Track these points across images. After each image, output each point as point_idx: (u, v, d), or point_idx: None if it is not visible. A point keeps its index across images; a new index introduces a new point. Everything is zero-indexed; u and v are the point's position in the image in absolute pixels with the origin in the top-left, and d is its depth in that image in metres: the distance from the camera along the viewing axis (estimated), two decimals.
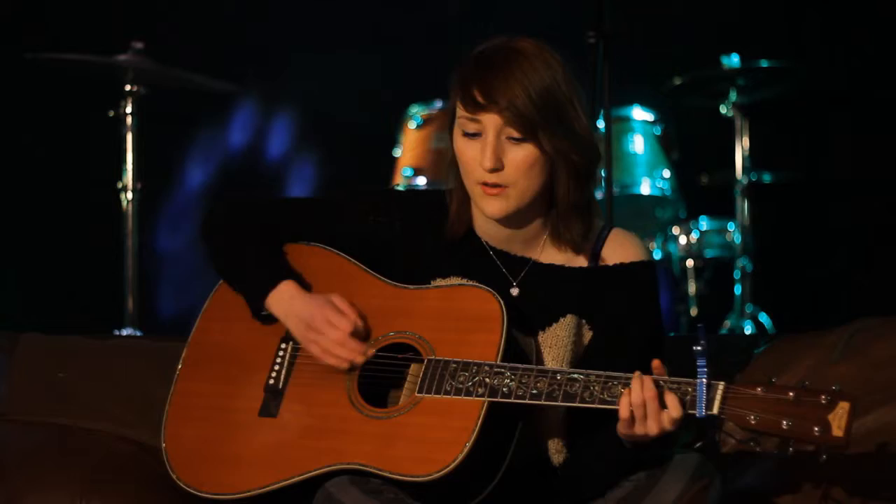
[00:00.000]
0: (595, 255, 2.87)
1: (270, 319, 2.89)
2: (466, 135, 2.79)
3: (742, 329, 5.77)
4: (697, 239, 5.84)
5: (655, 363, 2.61)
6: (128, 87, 5.23)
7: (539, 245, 2.89)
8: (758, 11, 6.24)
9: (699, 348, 2.54)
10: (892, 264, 6.02)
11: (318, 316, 2.81)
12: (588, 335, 2.86)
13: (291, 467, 2.74)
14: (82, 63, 5.23)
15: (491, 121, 2.76)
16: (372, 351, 2.80)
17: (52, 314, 5.92)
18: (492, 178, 2.77)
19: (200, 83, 6.00)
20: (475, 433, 2.64)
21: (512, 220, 2.85)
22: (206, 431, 2.85)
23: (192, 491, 2.81)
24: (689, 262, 5.86)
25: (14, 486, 3.01)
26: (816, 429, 2.49)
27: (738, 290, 5.85)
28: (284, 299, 2.86)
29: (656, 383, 2.59)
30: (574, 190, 2.81)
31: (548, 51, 2.79)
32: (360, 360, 2.79)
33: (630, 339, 2.82)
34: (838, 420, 2.48)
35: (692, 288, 5.88)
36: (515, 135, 2.76)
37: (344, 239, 2.94)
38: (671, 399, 2.58)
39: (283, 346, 2.89)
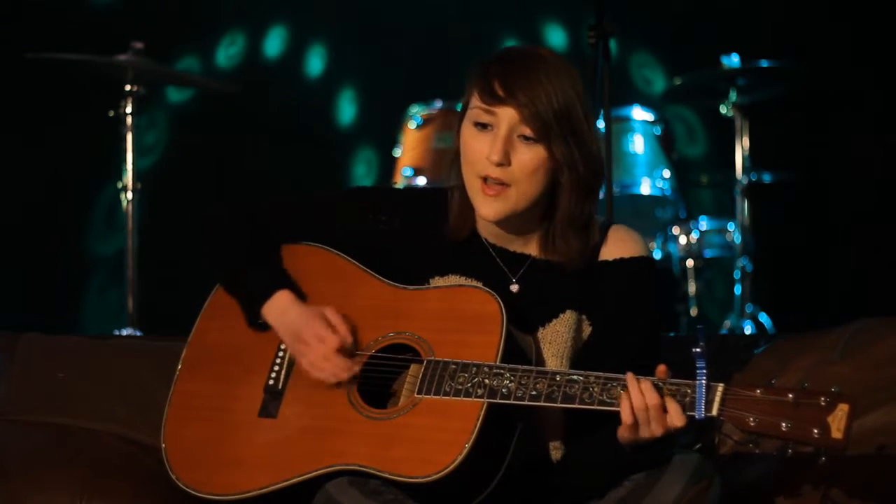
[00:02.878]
0: (595, 251, 2.87)
1: (267, 324, 2.88)
2: (477, 125, 2.78)
3: (742, 329, 5.76)
4: (697, 239, 5.83)
5: (661, 368, 2.61)
6: (128, 87, 5.22)
7: (538, 241, 2.89)
8: (758, 11, 6.25)
9: (698, 350, 2.54)
10: (892, 264, 6.02)
11: (307, 329, 2.80)
12: (588, 330, 2.86)
13: (291, 468, 2.74)
14: (82, 63, 5.22)
15: (506, 115, 2.76)
16: (357, 368, 2.79)
17: (52, 314, 5.93)
18: (495, 173, 2.76)
19: (200, 83, 6.00)
20: (474, 434, 2.63)
21: (508, 224, 2.84)
22: (206, 432, 2.85)
23: (191, 491, 2.81)
24: (689, 262, 5.86)
25: (14, 486, 3.00)
26: (815, 431, 2.48)
27: (738, 290, 5.85)
28: (278, 310, 2.85)
29: (656, 386, 2.59)
30: (576, 203, 2.80)
31: (572, 66, 2.80)
32: (344, 376, 2.78)
33: (627, 333, 2.82)
34: (837, 422, 2.48)
35: (692, 288, 5.87)
36: (529, 133, 2.75)
37: (343, 238, 2.93)
38: (672, 406, 2.58)
39: (283, 347, 2.88)
